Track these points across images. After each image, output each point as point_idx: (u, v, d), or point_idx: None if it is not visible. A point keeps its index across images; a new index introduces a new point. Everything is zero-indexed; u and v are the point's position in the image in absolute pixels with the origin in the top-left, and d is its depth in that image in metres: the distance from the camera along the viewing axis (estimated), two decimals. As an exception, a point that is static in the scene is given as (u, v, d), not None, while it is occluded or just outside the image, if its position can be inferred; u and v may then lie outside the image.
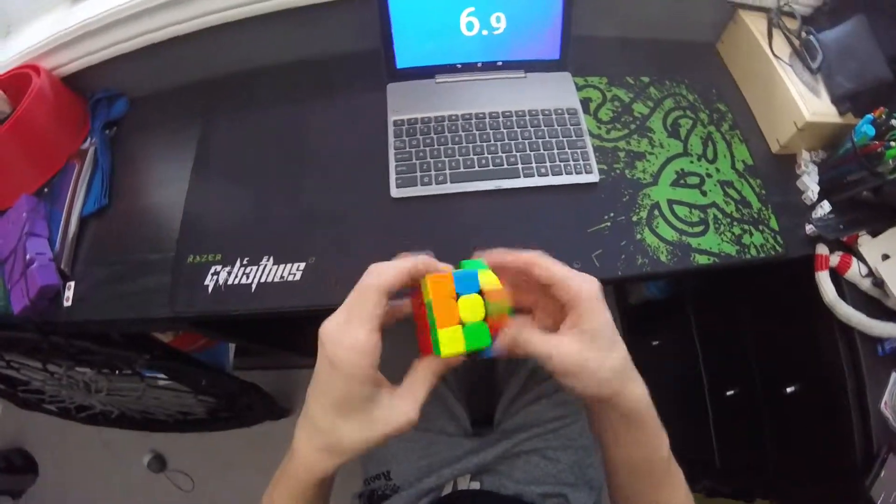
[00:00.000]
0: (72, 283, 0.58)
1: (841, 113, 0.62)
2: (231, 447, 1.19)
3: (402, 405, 0.31)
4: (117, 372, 0.76)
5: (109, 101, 0.72)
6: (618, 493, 0.38)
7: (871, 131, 0.57)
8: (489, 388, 0.71)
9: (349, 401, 0.29)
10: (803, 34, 0.67)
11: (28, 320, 0.58)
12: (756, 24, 0.68)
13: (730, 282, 0.80)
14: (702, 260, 0.56)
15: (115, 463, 1.24)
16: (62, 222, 0.62)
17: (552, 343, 0.31)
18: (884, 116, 0.58)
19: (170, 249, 0.58)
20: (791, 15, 0.69)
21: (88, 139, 0.69)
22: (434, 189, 0.56)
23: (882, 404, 0.57)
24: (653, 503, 0.35)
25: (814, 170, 0.65)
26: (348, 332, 0.29)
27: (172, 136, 0.68)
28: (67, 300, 0.58)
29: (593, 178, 0.58)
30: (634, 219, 0.57)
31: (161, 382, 0.80)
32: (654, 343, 1.01)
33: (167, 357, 0.77)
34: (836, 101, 0.63)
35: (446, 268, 0.32)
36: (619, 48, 0.71)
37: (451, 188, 0.56)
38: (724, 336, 0.83)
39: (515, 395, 0.68)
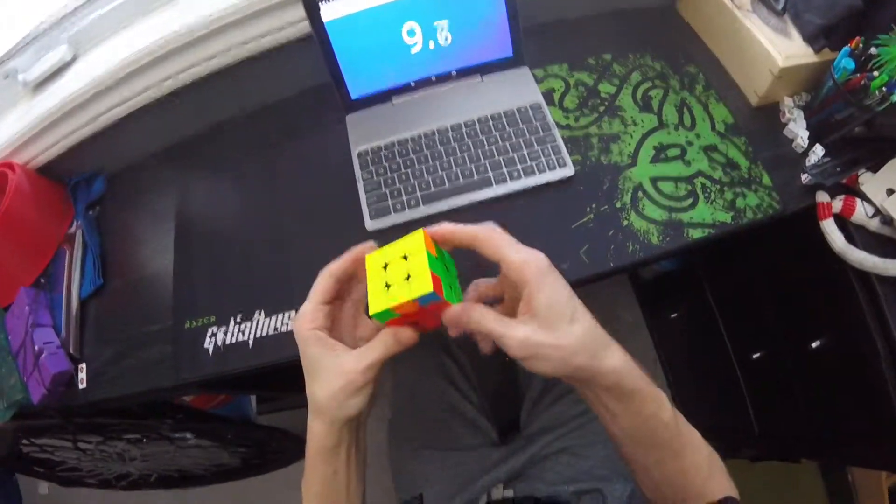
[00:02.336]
0: (83, 366, 0.60)
1: (816, 51, 0.60)
2: (270, 489, 1.20)
3: (345, 358, 0.34)
4: (145, 440, 0.78)
5: (88, 182, 0.73)
6: (635, 468, 0.36)
7: (851, 64, 0.55)
8: (512, 394, 0.71)
9: (309, 362, 0.34)
10: (763, -24, 0.64)
11: (49, 407, 0.60)
12: (712, -23, 0.66)
13: (736, 244, 0.77)
14: (696, 234, 0.54)
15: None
16: (63, 308, 0.63)
17: (504, 325, 0.32)
18: (861, 46, 0.55)
19: (167, 318, 0.59)
20: (747, -42, 0.66)
21: (74, 223, 0.70)
22: (408, 214, 0.55)
23: None
24: (677, 470, 0.34)
25: (799, 115, 0.62)
26: (300, 309, 0.35)
27: (152, 205, 0.69)
28: (82, 382, 0.59)
29: (568, 171, 0.56)
30: (618, 205, 0.56)
31: (190, 441, 0.82)
32: (673, 316, 0.99)
33: (190, 418, 0.79)
34: (808, 39, 0.60)
35: None
36: (575, 29, 0.69)
37: (424, 210, 0.55)
38: (740, 300, 0.81)
39: (537, 397, 0.67)
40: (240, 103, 0.70)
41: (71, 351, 0.60)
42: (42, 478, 0.83)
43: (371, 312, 0.32)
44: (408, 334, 0.34)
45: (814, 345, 0.65)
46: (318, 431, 0.35)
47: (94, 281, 0.64)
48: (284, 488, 1.19)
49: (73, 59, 0.67)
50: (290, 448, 1.01)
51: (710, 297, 0.86)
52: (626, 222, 0.55)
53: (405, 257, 0.33)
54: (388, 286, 0.32)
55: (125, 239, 0.68)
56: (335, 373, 0.33)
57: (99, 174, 0.73)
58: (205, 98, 0.68)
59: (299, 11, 0.57)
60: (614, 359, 0.31)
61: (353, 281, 0.37)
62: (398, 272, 0.32)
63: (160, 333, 0.59)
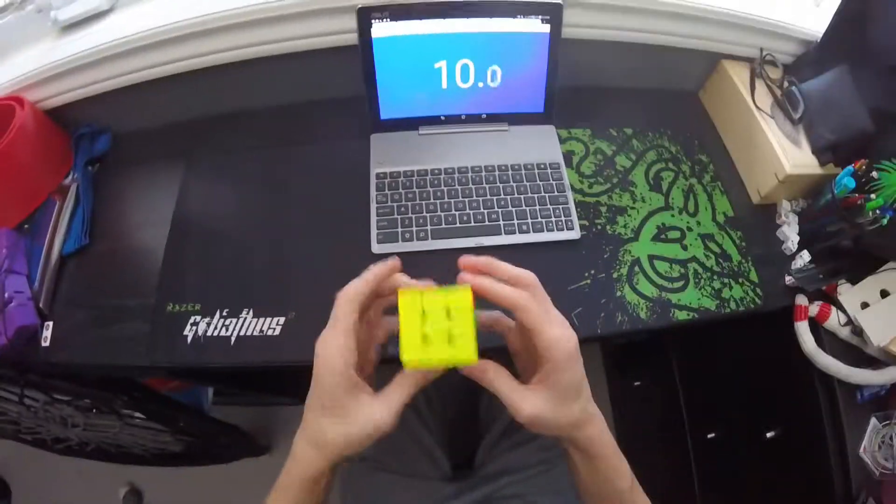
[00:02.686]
0: (50, 324, 0.57)
1: (822, 164, 0.63)
2: (209, 483, 1.16)
3: (376, 407, 0.33)
4: (94, 411, 0.75)
5: (93, 136, 0.71)
6: None
7: (852, 183, 0.58)
8: (471, 430, 0.71)
9: (331, 398, 0.33)
10: (786, 84, 0.68)
11: (5, 357, 0.57)
12: (738, 74, 0.69)
13: (712, 327, 0.81)
14: (681, 316, 0.57)
15: (90, 494, 1.20)
16: (42, 260, 0.60)
17: (517, 395, 0.33)
18: (864, 168, 0.58)
19: (149, 296, 0.57)
20: (774, 64, 0.70)
21: (70, 175, 0.67)
22: (415, 245, 0.56)
23: (861, 450, 0.57)
24: None
25: (794, 220, 0.65)
26: (329, 338, 0.33)
27: (155, 176, 0.67)
28: (45, 340, 0.56)
29: (574, 234, 0.58)
30: (615, 275, 0.58)
31: (138, 421, 0.79)
32: (637, 384, 1.01)
33: (145, 398, 0.77)
34: (816, 151, 0.63)
35: (428, 285, 0.35)
36: (605, 98, 0.71)
37: (432, 245, 0.56)
38: (705, 379, 0.84)
39: (498, 438, 0.67)
40: (267, 95, 0.69)
41: (41, 305, 0.57)
42: (-23, 424, 0.80)
43: (406, 366, 0.32)
44: (431, 375, 0.35)
45: (769, 434, 0.67)
46: (308, 461, 0.34)
47: (80, 239, 0.61)
48: (223, 483, 1.15)
49: (110, 10, 0.66)
50: (236, 445, 0.98)
51: (676, 373, 0.89)
52: (619, 293, 0.57)
53: (448, 312, 0.32)
54: (425, 339, 0.32)
55: (120, 203, 0.66)
56: (363, 420, 0.33)
57: (106, 131, 0.71)
58: (234, 83, 0.67)
59: (351, 21, 0.57)
60: (594, 428, 0.34)
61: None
62: (439, 328, 0.32)
63: (138, 309, 0.57)
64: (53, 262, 0.60)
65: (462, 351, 0.31)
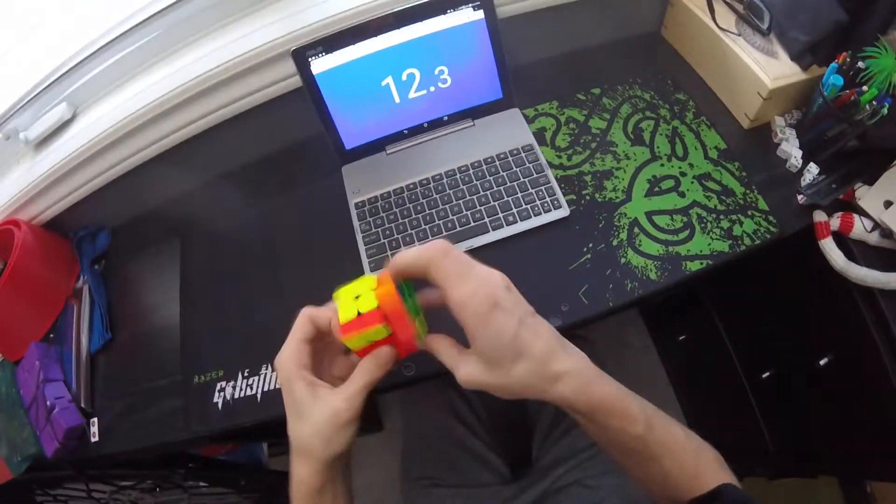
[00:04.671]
0: (94, 419, 0.61)
1: (804, 68, 0.60)
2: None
3: (333, 396, 0.35)
4: (158, 489, 0.78)
5: (93, 236, 0.74)
6: (620, 468, 0.37)
7: (840, 80, 0.55)
8: (522, 428, 0.71)
9: (295, 402, 0.35)
10: (745, -3, 0.64)
11: (62, 460, 0.60)
12: (695, 1, 0.66)
13: (738, 267, 0.78)
14: (694, 266, 0.54)
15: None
16: (73, 363, 0.64)
17: (453, 362, 0.34)
18: (848, 61, 0.55)
19: (175, 371, 0.60)
20: (729, -21, 0.66)
21: (80, 277, 0.71)
22: (407, 264, 0.55)
23: None
24: (658, 473, 0.34)
25: (792, 134, 0.62)
26: (281, 351, 0.36)
27: (156, 258, 0.70)
28: (94, 436, 0.60)
29: (564, 212, 0.57)
30: (615, 243, 0.56)
31: (204, 489, 0.82)
32: (681, 338, 0.98)
33: (203, 467, 0.79)
34: (795, 57, 0.60)
35: None
36: (563, 66, 0.69)
37: (423, 260, 0.55)
38: (746, 320, 0.81)
39: (547, 429, 0.67)
40: (237, 156, 0.71)
41: (82, 405, 0.61)
42: (55, 527, 0.84)
43: (342, 336, 0.34)
44: (385, 352, 0.35)
45: (822, 362, 0.64)
46: (303, 474, 0.35)
47: (103, 335, 0.65)
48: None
49: (73, 118, 0.68)
50: None
51: (717, 319, 0.86)
52: (623, 260, 0.55)
53: (374, 289, 0.34)
54: (359, 313, 0.34)
55: (131, 292, 0.69)
56: (321, 409, 0.34)
57: (103, 227, 0.74)
58: (202, 152, 0.69)
59: (290, 66, 0.58)
60: (564, 387, 0.32)
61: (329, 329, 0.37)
62: (367, 301, 0.34)
63: (169, 387, 0.60)
64: (84, 362, 0.64)
65: (379, 301, 0.34)
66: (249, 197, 0.70)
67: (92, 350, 0.64)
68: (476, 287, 0.31)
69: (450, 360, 0.34)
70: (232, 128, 0.66)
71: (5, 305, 0.63)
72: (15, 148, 0.68)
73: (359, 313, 0.33)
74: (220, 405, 0.56)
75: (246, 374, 0.57)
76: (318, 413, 0.34)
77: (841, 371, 0.64)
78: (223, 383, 0.57)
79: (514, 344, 0.31)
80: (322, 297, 0.53)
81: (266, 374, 0.57)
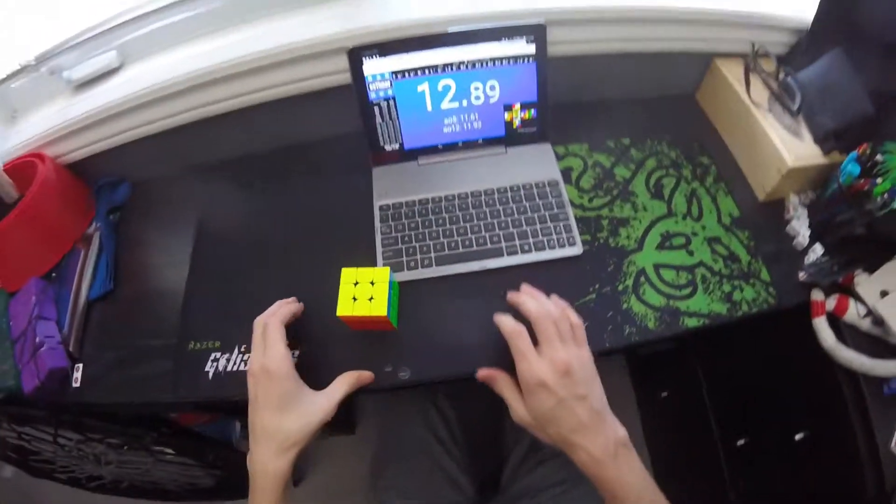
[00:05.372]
0: (80, 366, 0.60)
1: (825, 152, 0.62)
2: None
3: (322, 399, 0.45)
4: (126, 447, 0.77)
5: (113, 186, 0.75)
6: None
7: (857, 170, 0.57)
8: (495, 453, 0.72)
9: (285, 398, 0.43)
10: (781, 75, 0.67)
11: (39, 399, 0.59)
12: (732, 71, 0.68)
13: (731, 331, 0.80)
14: (691, 323, 0.56)
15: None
16: (70, 306, 0.64)
17: (514, 402, 0.45)
18: (868, 152, 0.57)
19: (172, 335, 0.60)
20: (767, 56, 0.69)
21: (93, 224, 0.71)
22: (420, 273, 0.57)
23: (892, 444, 0.56)
24: None
25: (803, 213, 0.64)
26: (271, 351, 0.45)
27: (173, 221, 0.71)
28: (76, 381, 0.59)
29: (577, 250, 0.59)
30: (620, 288, 0.58)
31: (169, 456, 0.81)
32: (663, 395, 1.00)
33: (174, 434, 0.79)
34: (819, 140, 0.62)
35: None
36: (600, 111, 0.71)
37: (436, 271, 0.57)
38: (730, 385, 0.82)
39: (523, 456, 0.69)
40: (271, 138, 0.72)
41: (70, 349, 0.60)
42: (13, 464, 0.81)
43: (338, 314, 0.50)
44: (366, 376, 0.49)
45: (798, 437, 0.66)
46: (280, 463, 0.42)
47: (105, 284, 0.65)
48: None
49: (120, 67, 0.69)
50: None
51: (702, 378, 0.87)
52: (625, 305, 0.57)
53: (372, 283, 0.51)
54: (354, 299, 0.50)
55: (141, 248, 0.69)
56: (312, 409, 0.44)
57: (125, 180, 0.75)
58: (239, 128, 0.70)
59: (339, 63, 0.59)
60: (583, 454, 0.41)
61: None
62: (364, 292, 0.50)
63: (162, 349, 0.59)
64: (81, 307, 0.64)
65: (377, 309, 0.50)
66: (276, 180, 0.71)
67: (91, 297, 0.64)
68: (529, 366, 0.43)
69: (511, 399, 0.45)
70: (270, 111, 0.67)
71: (14, 236, 0.63)
72: (55, 85, 0.69)
73: (354, 299, 0.50)
74: (210, 375, 0.57)
75: (242, 349, 0.58)
76: (312, 410, 0.43)
77: (815, 448, 0.65)
78: (218, 354, 0.58)
79: (550, 414, 0.42)
80: (329, 288, 0.55)
81: (263, 353, 0.57)
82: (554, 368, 0.42)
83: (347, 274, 0.52)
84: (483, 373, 0.47)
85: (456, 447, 0.69)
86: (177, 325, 0.61)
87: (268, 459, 0.42)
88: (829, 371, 0.59)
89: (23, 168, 0.67)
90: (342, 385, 0.47)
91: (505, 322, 0.46)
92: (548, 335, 0.44)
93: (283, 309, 0.52)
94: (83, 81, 0.68)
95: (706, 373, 0.87)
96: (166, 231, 0.70)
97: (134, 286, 0.66)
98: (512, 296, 0.49)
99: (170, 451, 0.81)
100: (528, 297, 0.47)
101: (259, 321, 0.51)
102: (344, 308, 0.50)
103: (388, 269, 0.52)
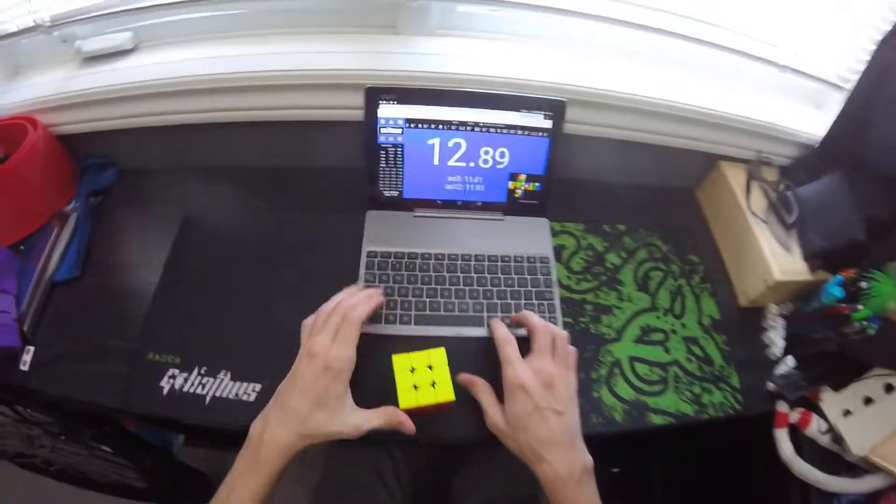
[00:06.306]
0: (31, 349, 0.57)
1: (812, 269, 0.63)
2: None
3: (358, 416, 0.44)
4: (63, 437, 0.74)
5: (100, 168, 0.72)
6: None
7: (840, 293, 0.58)
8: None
9: (328, 396, 0.42)
10: (781, 187, 0.68)
11: None
12: (735, 177, 0.70)
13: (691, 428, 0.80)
14: (657, 420, 0.56)
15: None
16: (32, 283, 0.60)
17: (489, 408, 0.47)
18: (853, 277, 0.58)
19: (131, 339, 0.57)
20: (771, 165, 0.70)
21: (72, 202, 0.68)
22: (397, 329, 0.56)
23: None
24: None
25: (781, 324, 0.65)
26: (342, 348, 0.44)
27: (155, 218, 0.68)
28: (24, 364, 0.56)
29: (557, 332, 0.58)
30: (594, 376, 0.58)
31: (105, 453, 0.78)
32: (614, 471, 0.99)
33: (114, 434, 0.76)
34: (807, 257, 0.63)
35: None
36: (599, 192, 0.72)
37: (413, 330, 0.56)
38: (683, 476, 0.83)
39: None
40: (270, 157, 0.71)
41: (25, 328, 0.57)
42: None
43: (401, 407, 0.45)
44: (409, 426, 0.45)
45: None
46: (291, 444, 0.42)
47: (73, 269, 0.62)
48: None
49: (133, 50, 0.67)
50: (202, 492, 0.96)
51: (655, 464, 0.88)
52: (596, 394, 0.56)
53: (430, 367, 0.46)
54: (416, 388, 0.45)
55: (117, 240, 0.67)
56: (345, 420, 0.43)
57: (113, 165, 0.72)
58: (244, 140, 0.69)
59: (351, 99, 0.59)
60: (549, 469, 0.42)
61: None
62: (424, 378, 0.46)
63: (119, 351, 0.57)
64: (43, 287, 0.61)
65: (443, 393, 0.46)
66: (269, 199, 0.69)
67: (56, 279, 0.61)
68: (514, 371, 0.45)
69: (487, 403, 0.47)
70: (278, 130, 0.66)
71: (-11, 199, 0.59)
72: (64, 52, 0.67)
73: (415, 388, 0.45)
74: (165, 390, 0.54)
75: (202, 371, 0.55)
76: (346, 422, 0.42)
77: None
78: (176, 371, 0.55)
79: (525, 420, 0.43)
80: (298, 324, 0.54)
81: (223, 379, 0.55)
82: (538, 377, 0.44)
83: (400, 361, 0.46)
84: (464, 377, 0.48)
85: (401, 494, 0.67)
86: (139, 329, 0.58)
87: (282, 436, 0.42)
88: (784, 479, 0.59)
89: (13, 129, 0.64)
90: (381, 417, 0.44)
91: (498, 328, 0.49)
92: (543, 347, 0.47)
93: (371, 303, 0.50)
94: (93, 55, 0.66)
95: (661, 459, 0.87)
96: (146, 228, 0.68)
97: (102, 278, 0.63)
98: (516, 315, 0.52)
99: (107, 448, 0.78)
100: (533, 314, 0.51)
101: (341, 306, 0.47)
102: (406, 400, 0.45)
103: (442, 349, 0.47)
